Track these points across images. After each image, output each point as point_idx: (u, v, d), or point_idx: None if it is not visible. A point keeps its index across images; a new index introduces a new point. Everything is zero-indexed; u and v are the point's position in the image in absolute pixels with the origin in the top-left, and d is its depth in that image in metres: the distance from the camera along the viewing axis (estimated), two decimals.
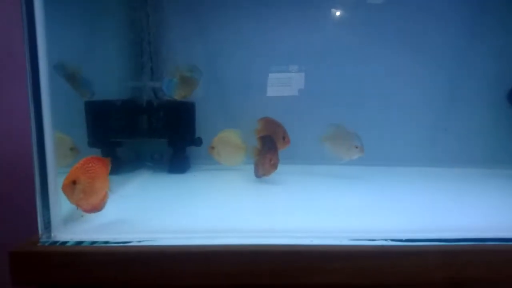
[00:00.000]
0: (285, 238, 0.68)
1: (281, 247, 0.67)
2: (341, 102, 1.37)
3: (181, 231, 0.73)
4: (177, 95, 1.21)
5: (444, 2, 1.38)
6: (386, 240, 0.70)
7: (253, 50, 1.38)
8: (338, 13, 1.39)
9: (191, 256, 0.66)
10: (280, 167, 1.09)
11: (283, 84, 1.40)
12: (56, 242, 0.70)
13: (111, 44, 1.28)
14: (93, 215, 0.78)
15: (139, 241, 0.70)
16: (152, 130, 1.24)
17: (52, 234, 0.71)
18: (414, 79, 1.40)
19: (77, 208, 0.74)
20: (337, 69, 1.38)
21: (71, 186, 0.70)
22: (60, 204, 0.72)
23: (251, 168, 1.15)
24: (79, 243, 0.71)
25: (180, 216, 0.83)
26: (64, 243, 0.71)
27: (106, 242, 0.71)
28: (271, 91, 1.39)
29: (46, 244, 0.70)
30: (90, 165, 0.73)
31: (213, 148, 1.24)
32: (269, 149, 1.10)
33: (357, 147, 1.11)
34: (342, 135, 1.14)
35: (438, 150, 1.36)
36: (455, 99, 1.42)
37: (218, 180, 1.20)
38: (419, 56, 1.40)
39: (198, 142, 1.29)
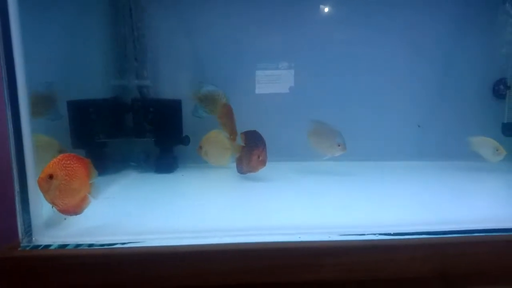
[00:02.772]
0: (273, 236, 0.68)
1: (270, 244, 0.67)
2: (329, 99, 1.37)
3: (168, 231, 0.72)
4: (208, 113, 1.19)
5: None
6: (375, 234, 0.70)
7: (242, 47, 1.36)
8: (326, 10, 1.38)
9: (178, 256, 0.65)
10: (269, 164, 1.08)
11: (272, 81, 1.39)
12: (38, 246, 0.68)
13: (94, 41, 1.25)
14: (77, 217, 0.76)
15: (125, 243, 0.68)
16: (137, 130, 1.22)
17: (33, 238, 0.69)
18: (402, 74, 1.40)
19: (52, 207, 0.71)
20: (325, 65, 1.37)
21: (47, 181, 0.67)
22: (41, 208, 0.70)
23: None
24: (63, 246, 0.69)
25: (167, 217, 0.82)
26: (47, 246, 0.69)
27: (91, 245, 0.69)
28: (260, 89, 1.38)
29: (27, 248, 0.68)
30: (69, 162, 0.70)
31: (201, 148, 1.23)
32: (255, 145, 1.08)
33: (339, 145, 1.12)
34: (325, 132, 1.15)
35: (425, 143, 1.37)
36: (442, 93, 1.43)
37: (206, 179, 1.19)
38: (406, 51, 1.40)
39: (185, 141, 1.27)
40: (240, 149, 1.12)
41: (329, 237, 0.68)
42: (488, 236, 0.71)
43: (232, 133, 1.16)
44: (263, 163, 1.07)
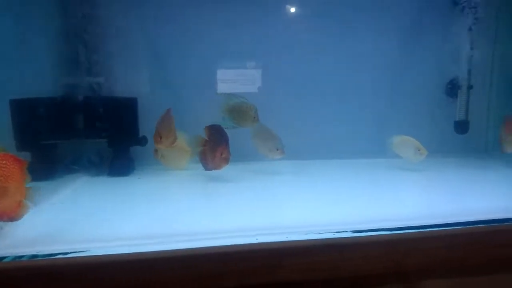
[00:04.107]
0: (231, 238, 0.65)
1: (228, 247, 0.64)
2: (288, 99, 1.36)
3: (117, 239, 0.67)
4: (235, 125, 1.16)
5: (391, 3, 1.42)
6: (331, 233, 0.69)
7: (204, 44, 1.32)
8: (288, 9, 1.38)
9: (126, 265, 0.61)
10: (230, 164, 1.05)
11: (234, 80, 1.36)
12: None
13: (41, 35, 1.17)
14: (18, 227, 0.69)
15: (67, 253, 0.63)
16: (89, 130, 1.15)
17: None
18: (359, 75, 1.43)
19: None
20: (285, 66, 1.37)
21: None
22: None
23: (200, 167, 1.10)
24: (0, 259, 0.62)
25: (117, 223, 0.77)
26: None
27: (34, 256, 0.63)
28: (222, 88, 1.34)
29: None
30: (4, 162, 0.63)
31: (156, 151, 1.18)
32: (219, 141, 1.04)
33: (278, 149, 1.15)
34: (266, 136, 1.17)
35: (382, 142, 1.39)
36: (399, 92, 1.47)
37: (164, 182, 1.14)
38: (364, 52, 1.42)
39: (142, 141, 1.21)
40: (203, 142, 1.07)
41: (287, 237, 0.66)
42: (440, 231, 0.73)
43: (157, 135, 1.08)
44: (226, 160, 1.04)
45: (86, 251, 0.63)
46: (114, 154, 1.19)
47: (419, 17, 1.45)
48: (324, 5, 1.38)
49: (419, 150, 1.22)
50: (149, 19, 1.28)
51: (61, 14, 1.20)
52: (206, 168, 1.08)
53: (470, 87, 1.43)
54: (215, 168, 1.06)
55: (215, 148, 1.04)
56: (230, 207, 0.88)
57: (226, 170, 1.06)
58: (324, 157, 1.35)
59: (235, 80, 1.35)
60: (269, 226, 0.70)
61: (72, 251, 0.63)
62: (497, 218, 0.79)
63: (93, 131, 1.15)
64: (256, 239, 0.65)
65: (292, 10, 1.39)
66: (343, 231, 0.70)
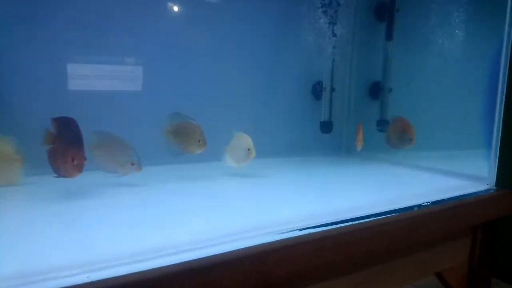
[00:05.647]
0: (55, 280, 0.49)
1: None
2: (161, 98, 1.24)
3: None
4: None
5: (260, 9, 1.42)
6: (192, 251, 0.59)
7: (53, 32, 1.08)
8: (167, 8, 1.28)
9: None
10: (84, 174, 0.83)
11: (85, 76, 1.17)
12: None
13: None
14: None
15: None
16: None
17: None
18: (235, 77, 1.39)
19: None
20: (161, 65, 1.25)
21: None
22: None
23: (44, 178, 0.86)
24: None
25: None
26: None
27: None
28: (74, 84, 1.13)
29: None
30: None
31: None
32: (70, 142, 0.82)
33: (133, 164, 0.95)
34: (114, 147, 0.95)
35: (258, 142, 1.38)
36: (271, 95, 1.48)
37: None
38: (240, 54, 1.40)
39: None
40: (51, 139, 0.83)
41: (117, 271, 0.53)
42: (305, 236, 0.70)
43: None
44: (78, 168, 0.82)
45: None
46: None
47: (290, 21, 1.49)
48: (202, 7, 1.32)
49: (248, 150, 1.06)
50: None
51: None
52: (58, 175, 0.84)
53: (332, 89, 1.52)
54: (66, 176, 0.84)
55: (66, 150, 0.82)
56: (64, 237, 0.66)
57: (81, 180, 0.84)
58: (197, 160, 1.26)
59: (110, 76, 1.20)
60: (104, 258, 0.55)
61: None
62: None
63: None
64: (87, 277, 0.50)
65: (171, 11, 1.29)
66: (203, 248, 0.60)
